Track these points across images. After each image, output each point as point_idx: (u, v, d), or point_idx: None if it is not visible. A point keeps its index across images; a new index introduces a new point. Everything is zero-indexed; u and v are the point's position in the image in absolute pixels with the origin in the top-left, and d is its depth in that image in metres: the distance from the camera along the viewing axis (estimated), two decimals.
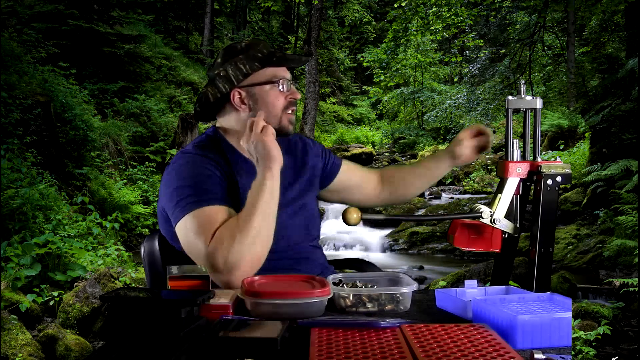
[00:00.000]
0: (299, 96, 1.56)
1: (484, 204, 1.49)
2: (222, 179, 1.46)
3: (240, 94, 1.52)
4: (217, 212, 1.37)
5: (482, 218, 1.43)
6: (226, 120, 1.58)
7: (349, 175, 1.79)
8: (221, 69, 1.53)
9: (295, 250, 1.55)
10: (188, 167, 1.46)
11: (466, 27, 12.29)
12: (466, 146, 1.69)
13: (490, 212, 1.43)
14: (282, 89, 1.53)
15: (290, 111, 1.55)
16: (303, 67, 13.58)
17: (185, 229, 1.39)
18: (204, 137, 1.58)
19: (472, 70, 14.28)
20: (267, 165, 1.34)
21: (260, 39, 1.60)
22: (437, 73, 20.60)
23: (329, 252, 7.09)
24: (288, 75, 1.55)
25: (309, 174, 1.66)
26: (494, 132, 1.71)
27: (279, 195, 1.40)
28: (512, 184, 1.46)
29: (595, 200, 6.85)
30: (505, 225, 1.44)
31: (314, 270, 1.55)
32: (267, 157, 1.34)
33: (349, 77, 23.57)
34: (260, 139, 1.34)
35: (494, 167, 11.96)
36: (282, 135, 1.54)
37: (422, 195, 10.59)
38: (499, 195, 1.46)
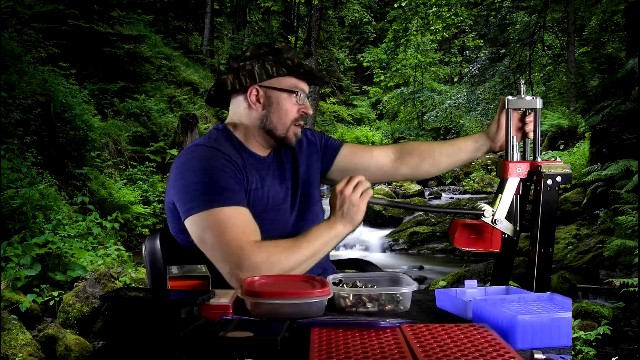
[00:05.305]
0: (310, 112, 1.59)
1: (485, 203, 1.49)
2: (236, 173, 1.46)
3: (258, 91, 1.54)
4: (235, 214, 1.39)
5: (484, 216, 1.43)
6: (237, 115, 1.58)
7: (351, 157, 1.76)
8: (248, 62, 1.53)
9: None
10: (202, 160, 1.45)
11: (466, 27, 12.28)
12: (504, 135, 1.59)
13: (493, 211, 1.43)
14: (297, 101, 1.55)
15: (298, 124, 1.57)
16: None
17: (201, 227, 1.39)
18: (214, 131, 1.58)
19: (472, 70, 14.27)
20: (346, 223, 1.42)
21: (291, 47, 1.62)
22: (437, 73, 20.58)
23: None
24: (307, 89, 1.58)
25: (308, 175, 1.66)
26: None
27: (279, 201, 1.54)
28: (512, 184, 1.46)
29: (595, 200, 6.85)
30: (505, 226, 1.44)
31: (315, 271, 1.55)
32: (350, 218, 1.42)
33: (349, 77, 23.52)
34: (356, 203, 1.40)
35: (494, 167, 11.96)
36: (284, 146, 1.58)
37: (422, 195, 10.59)
38: (500, 195, 1.45)
